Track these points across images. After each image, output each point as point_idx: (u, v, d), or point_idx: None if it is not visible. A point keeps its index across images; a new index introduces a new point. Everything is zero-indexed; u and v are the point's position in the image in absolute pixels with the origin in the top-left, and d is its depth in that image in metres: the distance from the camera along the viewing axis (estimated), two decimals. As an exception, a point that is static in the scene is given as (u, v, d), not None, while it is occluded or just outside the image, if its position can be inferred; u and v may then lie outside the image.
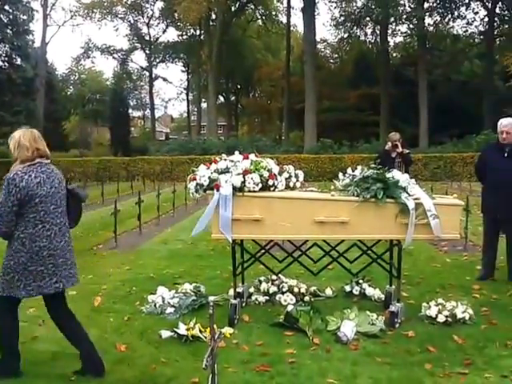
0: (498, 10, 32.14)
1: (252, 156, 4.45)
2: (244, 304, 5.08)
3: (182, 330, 4.27)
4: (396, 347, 4.00)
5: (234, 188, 4.22)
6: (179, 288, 5.32)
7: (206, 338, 4.09)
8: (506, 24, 32.95)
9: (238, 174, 4.23)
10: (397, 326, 4.40)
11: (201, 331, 4.23)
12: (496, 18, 32.42)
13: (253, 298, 5.22)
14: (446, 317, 4.44)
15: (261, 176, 4.28)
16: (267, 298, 5.21)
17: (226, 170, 4.32)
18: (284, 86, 38.43)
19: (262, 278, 5.47)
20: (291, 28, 40.42)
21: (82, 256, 7.59)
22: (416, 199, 4.19)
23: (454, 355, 3.82)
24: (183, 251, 8.09)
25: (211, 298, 5.17)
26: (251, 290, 5.34)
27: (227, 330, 4.33)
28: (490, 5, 31.61)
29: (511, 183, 5.46)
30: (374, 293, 5.23)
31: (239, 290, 4.98)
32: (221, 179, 4.25)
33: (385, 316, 4.46)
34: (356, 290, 5.31)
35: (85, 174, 26.19)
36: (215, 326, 4.17)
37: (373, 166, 4.47)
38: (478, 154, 7.58)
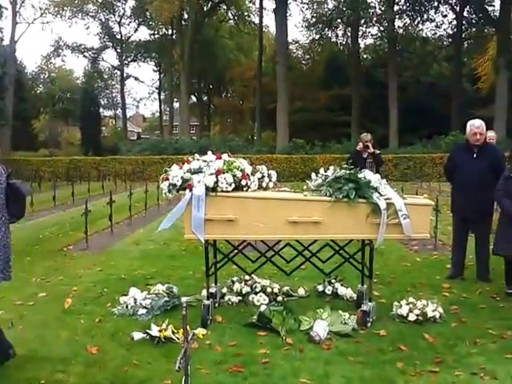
0: (465, 14, 32.73)
1: (225, 156, 4.44)
2: (217, 304, 5.06)
3: (154, 331, 4.23)
4: (368, 346, 4.04)
5: (207, 188, 4.20)
6: (151, 289, 5.27)
7: (178, 339, 4.06)
8: (473, 27, 33.65)
9: (211, 174, 4.21)
10: (369, 325, 4.44)
11: (173, 332, 4.20)
12: (464, 22, 33.03)
13: (226, 298, 5.21)
14: (417, 315, 4.50)
15: (234, 176, 4.27)
16: (240, 298, 5.20)
17: (199, 170, 4.30)
18: (256, 87, 38.41)
19: (235, 279, 5.47)
20: (263, 29, 40.48)
21: (52, 257, 7.48)
22: (387, 199, 4.24)
23: (425, 353, 3.88)
24: (155, 252, 8.02)
25: (184, 299, 5.13)
26: (224, 290, 5.33)
27: (200, 331, 4.29)
28: (458, 8, 32.16)
29: (480, 183, 5.58)
30: (347, 292, 5.28)
31: (212, 290, 4.96)
32: (194, 179, 4.23)
33: (357, 315, 4.49)
34: (328, 290, 5.34)
35: (55, 173, 25.72)
36: (188, 327, 4.18)
37: (345, 166, 4.50)
38: (446, 155, 7.73)
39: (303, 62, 44.37)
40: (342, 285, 5.41)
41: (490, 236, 6.00)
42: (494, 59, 30.70)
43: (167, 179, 4.34)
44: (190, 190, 4.19)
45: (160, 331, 4.20)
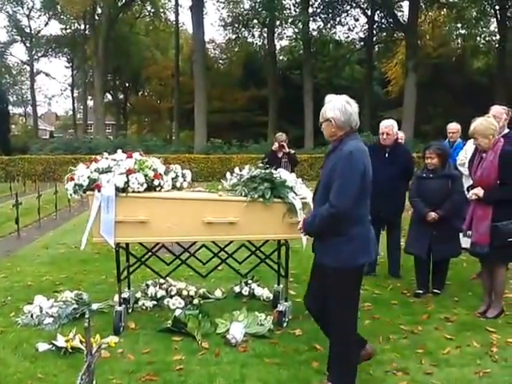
0: (376, 18, 34.00)
1: (136, 155, 4.25)
2: (130, 310, 4.87)
3: (60, 341, 3.97)
4: (284, 347, 4.01)
5: (117, 188, 3.99)
6: (59, 296, 4.98)
7: (98, 344, 3.83)
8: (383, 32, 35.04)
9: (121, 174, 4.01)
10: (285, 325, 4.43)
11: (81, 342, 3.95)
12: (375, 26, 34.32)
13: (140, 303, 5.01)
14: (332, 313, 4.53)
15: (145, 176, 4.09)
16: (155, 302, 5.02)
17: (108, 170, 4.08)
18: (174, 86, 37.94)
19: (150, 282, 5.28)
20: (180, 26, 40.08)
21: (-51, 264, 6.92)
22: (303, 198, 4.23)
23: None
24: (66, 256, 7.63)
25: (95, 306, 4.94)
26: (138, 294, 5.13)
27: (112, 339, 4.10)
28: (369, 12, 33.36)
29: (392, 182, 5.69)
30: (263, 292, 5.24)
31: (125, 295, 4.76)
32: (102, 179, 4.01)
33: (273, 316, 4.46)
34: (245, 291, 5.29)
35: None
36: (98, 336, 3.97)
37: (260, 165, 4.45)
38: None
39: (221, 61, 44.35)
40: (258, 285, 5.37)
41: (401, 234, 6.21)
42: (402, 63, 32.23)
43: (72, 179, 4.09)
44: (99, 191, 3.97)
45: (67, 341, 3.95)
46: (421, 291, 5.36)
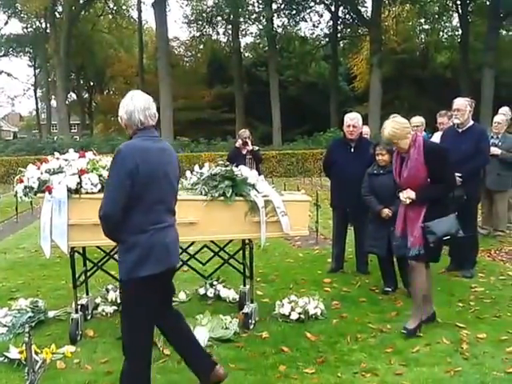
0: (340, 14, 34.12)
1: (89, 154, 4.02)
2: (89, 317, 4.65)
3: (13, 353, 3.74)
4: (250, 351, 3.86)
5: (69, 190, 3.76)
6: (13, 304, 4.71)
7: (42, 359, 3.61)
8: (348, 28, 35.20)
9: (73, 175, 3.78)
10: (251, 327, 4.28)
11: (36, 353, 3.72)
12: (339, 22, 34.43)
13: (99, 309, 4.79)
14: (299, 314, 4.42)
15: (99, 176, 3.86)
16: (116, 307, 4.78)
17: (60, 171, 3.84)
18: (138, 84, 37.38)
19: (110, 287, 5.05)
20: (144, 24, 39.52)
21: None
22: (265, 196, 4.08)
23: (307, 354, 3.78)
24: (25, 260, 7.32)
25: (51, 314, 4.69)
26: (98, 300, 4.90)
27: (68, 349, 3.89)
28: (333, 8, 33.44)
29: (357, 177, 5.51)
30: (229, 294, 5.08)
31: (82, 302, 4.54)
32: (53, 180, 3.77)
33: (239, 318, 4.31)
34: (210, 293, 5.12)
35: None
36: (53, 346, 3.75)
37: (220, 162, 4.28)
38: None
39: (186, 59, 43.92)
40: (224, 286, 5.21)
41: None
42: (367, 58, 32.46)
43: (22, 181, 3.84)
44: (50, 193, 3.74)
45: (20, 352, 3.71)
46: (389, 289, 5.27)
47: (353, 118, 5.83)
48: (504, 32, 33.25)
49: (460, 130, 5.77)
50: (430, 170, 4.06)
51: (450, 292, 5.27)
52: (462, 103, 5.74)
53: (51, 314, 4.67)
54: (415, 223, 4.11)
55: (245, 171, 4.15)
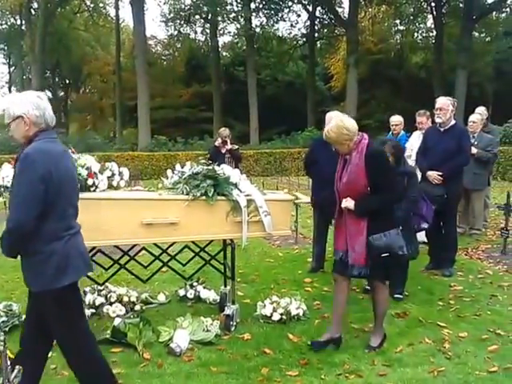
0: (318, 14, 34.25)
1: (67, 153, 3.90)
2: (66, 320, 4.51)
3: (-15, 359, 3.60)
4: (232, 353, 3.79)
5: (46, 190, 3.65)
6: (-15, 308, 4.56)
7: (18, 368, 3.47)
8: (325, 28, 35.36)
9: (50, 174, 3.66)
10: (232, 329, 4.21)
11: (11, 360, 3.59)
12: (316, 22, 34.55)
13: (76, 312, 4.65)
14: (281, 314, 4.36)
15: (78, 175, 3.75)
16: (93, 310, 4.67)
17: (36, 170, 3.72)
18: (115, 82, 36.97)
19: (88, 289, 4.91)
20: (121, 22, 39.03)
21: None
22: (247, 195, 4.02)
23: (290, 355, 3.72)
24: (-3, 262, 7.12)
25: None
26: (75, 302, 4.77)
27: (44, 354, 3.76)
28: (310, 8, 33.54)
29: None
30: (209, 295, 4.99)
31: (59, 304, 4.40)
32: (29, 180, 3.64)
33: (220, 320, 4.24)
34: (190, 294, 5.03)
35: None
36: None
37: (202, 161, 4.21)
38: (304, 150, 7.87)
39: (163, 57, 43.61)
40: (204, 287, 5.12)
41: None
42: (344, 58, 32.67)
43: (-4, 181, 3.71)
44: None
45: (-7, 359, 3.58)
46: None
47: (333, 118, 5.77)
48: (476, 34, 33.83)
49: (442, 129, 5.79)
50: (369, 176, 3.65)
51: (430, 291, 5.28)
52: (444, 102, 5.75)
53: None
54: (356, 237, 3.72)
55: (227, 170, 4.09)
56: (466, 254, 6.77)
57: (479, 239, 7.66)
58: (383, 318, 4.00)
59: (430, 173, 5.69)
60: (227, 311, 4.24)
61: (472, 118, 7.76)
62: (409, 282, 5.22)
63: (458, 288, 5.35)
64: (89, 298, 4.75)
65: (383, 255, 3.66)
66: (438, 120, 5.79)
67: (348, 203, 3.74)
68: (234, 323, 4.25)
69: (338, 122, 3.76)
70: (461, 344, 3.93)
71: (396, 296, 4.96)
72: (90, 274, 4.58)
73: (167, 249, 4.73)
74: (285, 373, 3.46)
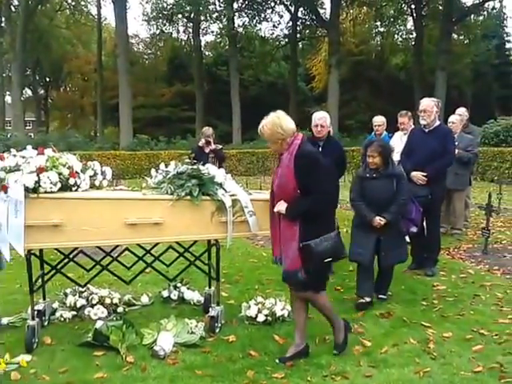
0: (300, 15, 34.33)
1: (48, 151, 3.82)
2: (46, 323, 4.42)
3: (-37, 365, 3.50)
4: (217, 356, 3.74)
5: (27, 189, 3.55)
6: (-38, 311, 4.46)
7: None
8: (307, 29, 35.47)
9: (31, 173, 3.57)
10: (217, 330, 4.16)
11: (-11, 363, 3.50)
12: (298, 23, 34.63)
13: (57, 314, 4.55)
14: (266, 316, 4.32)
15: (59, 174, 3.68)
16: (74, 313, 4.57)
17: (16, 168, 3.63)
18: (97, 81, 36.63)
19: (69, 291, 4.82)
20: (103, 20, 38.70)
21: None
22: (232, 195, 3.98)
23: (276, 357, 3.67)
24: (-25, 264, 6.95)
25: (5, 320, 4.45)
26: (56, 305, 4.68)
27: (23, 358, 3.65)
28: (292, 9, 33.61)
29: None
30: (193, 296, 4.93)
31: (39, 307, 4.31)
32: (9, 179, 3.55)
33: (204, 322, 4.19)
34: (174, 295, 4.96)
35: None
36: (7, 356, 3.52)
37: (187, 161, 4.15)
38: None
39: (145, 56, 43.34)
40: (188, 288, 5.06)
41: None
42: (326, 59, 32.80)
43: (-26, 180, 3.61)
44: (5, 192, 3.52)
45: (-28, 365, 3.48)
46: (365, 300, 4.79)
47: (320, 118, 5.72)
48: (456, 36, 34.25)
49: (427, 130, 5.81)
50: (297, 178, 3.42)
51: (413, 291, 5.29)
52: (428, 104, 5.76)
53: (5, 320, 4.42)
54: (290, 242, 3.49)
55: (212, 170, 4.04)
56: (447, 254, 6.81)
57: (460, 239, 7.72)
58: (333, 315, 3.85)
59: (414, 173, 5.70)
60: (212, 313, 4.19)
61: (451, 118, 7.82)
62: (392, 281, 5.22)
63: (441, 288, 5.37)
64: (70, 300, 4.66)
65: (326, 260, 3.48)
66: (422, 122, 5.80)
67: (280, 207, 3.53)
68: (219, 325, 4.21)
69: (275, 119, 3.55)
70: (445, 344, 3.94)
71: (380, 296, 4.97)
72: (71, 275, 4.56)
73: (151, 249, 4.66)
74: (271, 375, 3.42)
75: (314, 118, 5.80)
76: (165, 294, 5.01)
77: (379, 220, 4.67)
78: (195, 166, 4.03)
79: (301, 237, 3.45)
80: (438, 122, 5.82)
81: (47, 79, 46.95)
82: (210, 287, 4.69)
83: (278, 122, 3.52)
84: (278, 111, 3.63)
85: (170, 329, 3.94)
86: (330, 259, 3.50)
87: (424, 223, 5.93)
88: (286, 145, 3.53)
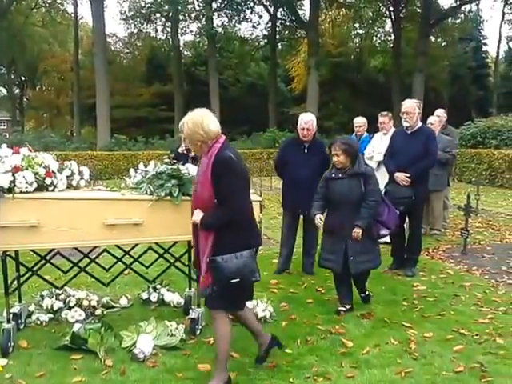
0: (279, 15, 34.38)
1: (24, 150, 3.73)
2: (22, 326, 4.31)
3: None
4: (197, 358, 3.69)
5: (1, 189, 3.46)
6: None
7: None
8: (286, 29, 35.54)
9: (6, 172, 3.48)
10: (198, 333, 4.11)
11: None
12: (278, 23, 34.68)
13: (33, 317, 4.44)
14: (248, 317, 4.27)
15: (35, 174, 3.59)
16: (51, 315, 4.47)
17: (-10, 168, 3.53)
18: (73, 80, 36.16)
19: (45, 293, 4.72)
20: (79, 19, 38.22)
21: None
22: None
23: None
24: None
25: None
26: (32, 307, 4.56)
27: (-2, 363, 3.58)
28: (272, 9, 33.63)
29: (310, 178, 5.39)
30: (174, 298, 4.86)
31: (15, 310, 4.21)
32: (-17, 179, 3.46)
33: (185, 324, 4.13)
34: (154, 297, 4.89)
35: None
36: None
37: (166, 160, 4.09)
38: (266, 150, 7.77)
39: (123, 55, 42.92)
40: (168, 290, 4.99)
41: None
42: (305, 61, 32.90)
43: None
44: (-21, 193, 3.43)
45: None
46: (344, 308, 4.64)
47: (307, 122, 5.63)
48: (433, 39, 34.68)
49: (409, 132, 5.82)
50: (213, 185, 3.10)
51: (394, 291, 5.31)
52: (410, 106, 5.77)
53: (-21, 323, 4.30)
54: (204, 255, 3.17)
55: (192, 170, 3.98)
56: (427, 254, 6.86)
57: (439, 239, 7.79)
58: (225, 361, 3.25)
59: (397, 174, 5.71)
60: (192, 314, 4.14)
61: (429, 120, 7.88)
62: (372, 282, 5.23)
63: (421, 288, 5.39)
64: (46, 303, 4.56)
65: (232, 281, 3.07)
66: (405, 124, 5.80)
67: (195, 217, 3.20)
68: (200, 327, 4.15)
69: (197, 118, 3.18)
70: (426, 344, 3.95)
71: (362, 295, 4.94)
72: (47, 277, 4.46)
73: (130, 250, 4.58)
74: (253, 377, 3.38)
75: (300, 120, 5.73)
76: (144, 295, 4.93)
77: (318, 220, 4.52)
78: (175, 166, 3.97)
79: (212, 250, 3.12)
80: (419, 124, 5.84)
81: (22, 78, 46.22)
82: (190, 289, 4.63)
83: (199, 121, 3.16)
84: (204, 109, 3.28)
85: (149, 331, 3.87)
86: (237, 280, 3.07)
87: (405, 224, 5.96)
88: (206, 148, 3.20)
